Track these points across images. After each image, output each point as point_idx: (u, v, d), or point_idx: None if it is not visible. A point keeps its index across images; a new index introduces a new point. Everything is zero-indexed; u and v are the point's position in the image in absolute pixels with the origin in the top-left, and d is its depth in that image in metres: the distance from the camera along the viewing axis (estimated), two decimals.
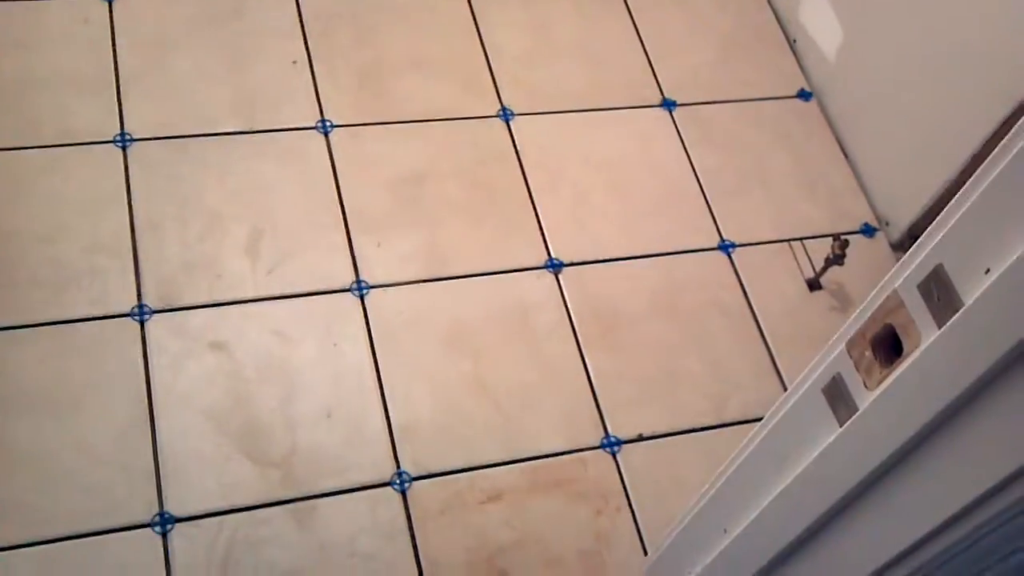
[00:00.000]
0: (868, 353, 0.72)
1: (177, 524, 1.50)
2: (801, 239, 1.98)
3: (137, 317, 1.65)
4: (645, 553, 1.59)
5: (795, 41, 2.25)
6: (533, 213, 1.91)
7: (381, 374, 1.68)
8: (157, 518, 1.50)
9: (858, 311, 0.70)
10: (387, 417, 1.64)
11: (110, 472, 1.52)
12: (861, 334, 0.69)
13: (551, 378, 1.74)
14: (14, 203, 1.71)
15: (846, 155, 2.12)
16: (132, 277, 1.68)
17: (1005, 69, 1.72)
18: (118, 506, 1.50)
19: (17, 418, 1.53)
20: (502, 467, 1.64)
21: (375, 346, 1.70)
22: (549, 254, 1.86)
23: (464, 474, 1.62)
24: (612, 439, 1.69)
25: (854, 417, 0.70)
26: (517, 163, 1.96)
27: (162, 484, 1.52)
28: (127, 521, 1.49)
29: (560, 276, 1.84)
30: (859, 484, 0.70)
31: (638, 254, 1.90)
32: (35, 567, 1.43)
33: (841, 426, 0.71)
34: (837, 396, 0.72)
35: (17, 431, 1.52)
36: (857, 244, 1.94)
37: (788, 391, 0.79)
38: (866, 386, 0.69)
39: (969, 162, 1.83)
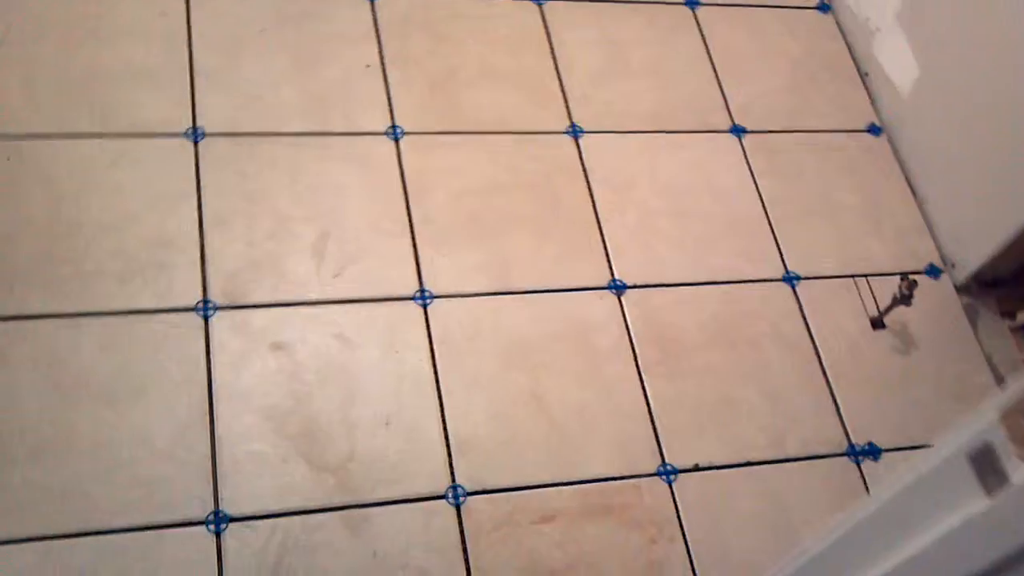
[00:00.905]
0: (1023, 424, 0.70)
1: (231, 524, 1.49)
2: (866, 276, 1.96)
3: (201, 312, 1.64)
4: None
5: (867, 74, 2.23)
6: (598, 232, 1.89)
7: (441, 385, 1.67)
8: (212, 516, 1.49)
9: (1016, 380, 0.68)
10: (444, 429, 1.63)
11: (168, 467, 1.51)
12: (1017, 404, 0.67)
13: (609, 400, 1.72)
14: (84, 192, 1.71)
15: (915, 193, 2.09)
16: (198, 272, 1.68)
17: None
18: (174, 501, 1.49)
19: (79, 406, 1.53)
20: (557, 488, 1.62)
21: (436, 356, 1.69)
22: (613, 275, 1.85)
23: (519, 492, 1.61)
24: (668, 467, 1.68)
25: (1005, 489, 0.68)
26: (584, 181, 1.95)
27: (218, 482, 1.52)
28: (182, 517, 1.48)
29: (623, 298, 1.83)
30: (1005, 558, 0.68)
31: (702, 280, 1.88)
32: (91, 557, 1.42)
33: (989, 496, 0.69)
34: (986, 465, 0.70)
35: (79, 419, 1.52)
36: (922, 285, 1.91)
37: (926, 453, 0.76)
38: (1020, 459, 0.67)
39: None
